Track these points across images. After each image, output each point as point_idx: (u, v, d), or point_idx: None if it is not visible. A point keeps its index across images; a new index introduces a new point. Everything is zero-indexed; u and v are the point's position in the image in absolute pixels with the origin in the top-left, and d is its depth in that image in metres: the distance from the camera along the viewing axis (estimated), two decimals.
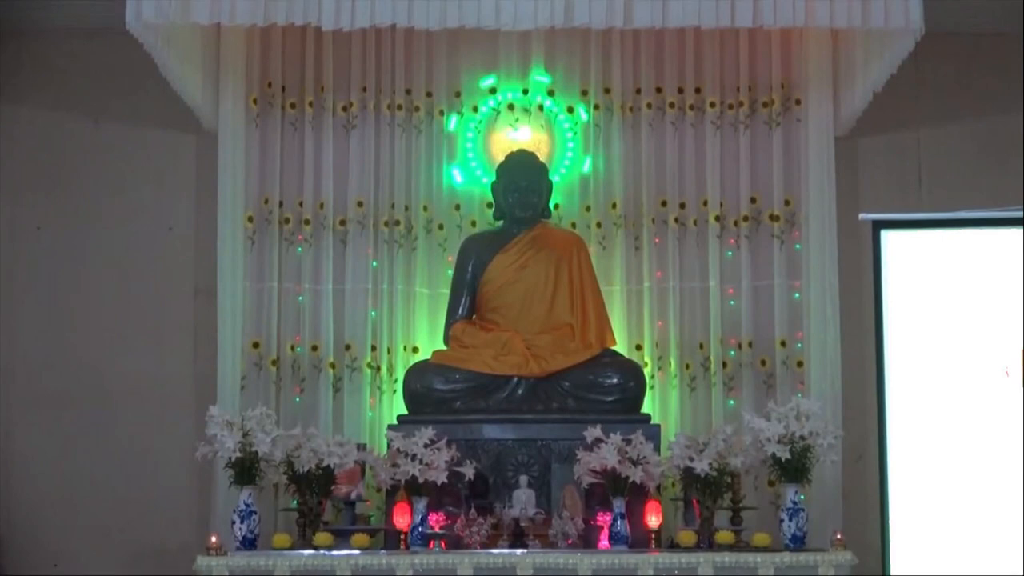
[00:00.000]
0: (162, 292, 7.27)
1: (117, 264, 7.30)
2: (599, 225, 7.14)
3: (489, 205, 7.12)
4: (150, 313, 7.27)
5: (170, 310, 7.26)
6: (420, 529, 6.07)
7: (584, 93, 7.22)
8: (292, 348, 7.01)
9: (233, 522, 6.06)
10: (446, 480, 6.11)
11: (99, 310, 7.27)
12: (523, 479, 6.35)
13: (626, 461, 6.06)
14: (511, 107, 7.25)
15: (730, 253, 7.08)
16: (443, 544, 6.07)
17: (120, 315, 7.26)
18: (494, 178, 7.04)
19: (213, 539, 5.93)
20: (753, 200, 7.08)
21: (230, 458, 6.07)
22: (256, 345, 6.95)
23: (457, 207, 7.19)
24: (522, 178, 6.89)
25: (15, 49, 7.34)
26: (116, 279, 7.29)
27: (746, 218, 7.07)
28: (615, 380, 6.63)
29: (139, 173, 7.35)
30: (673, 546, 6.07)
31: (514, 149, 7.08)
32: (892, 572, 5.73)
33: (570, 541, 6.08)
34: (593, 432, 6.14)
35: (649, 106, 7.14)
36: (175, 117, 7.08)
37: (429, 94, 7.19)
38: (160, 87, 6.60)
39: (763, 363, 6.99)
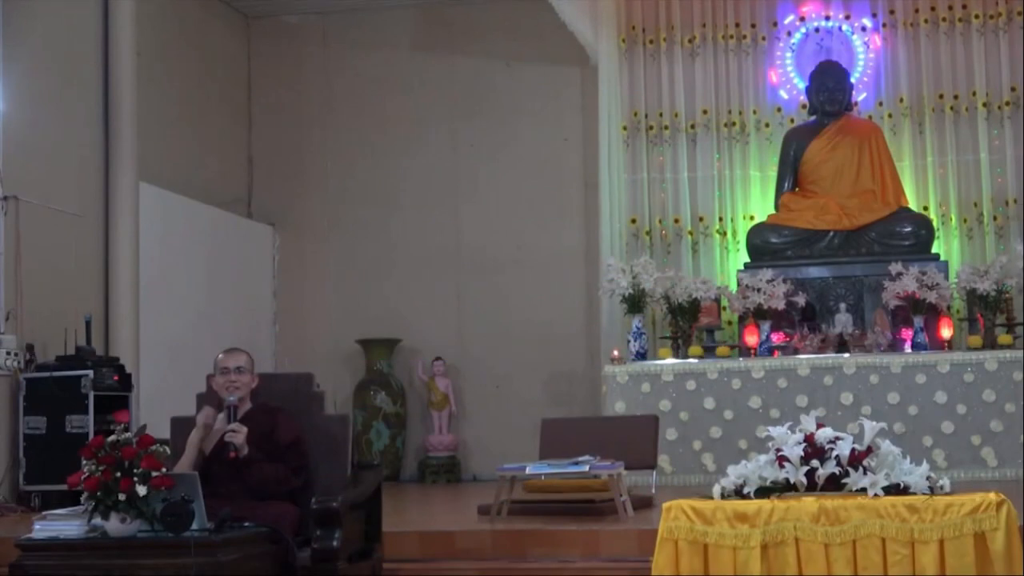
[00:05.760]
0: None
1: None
2: (890, 115, 9.05)
3: (803, 106, 9.13)
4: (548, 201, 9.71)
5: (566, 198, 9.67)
6: (765, 344, 8.12)
7: (874, 15, 9.14)
8: (659, 222, 9.22)
9: (628, 341, 8.31)
10: (783, 307, 8.16)
11: (512, 199, 9.74)
12: (842, 306, 8.30)
13: (923, 288, 7.89)
14: (817, 30, 9.26)
15: (996, 132, 8.87)
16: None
17: (528, 201, 9.70)
18: (807, 83, 9.03)
19: (615, 353, 8.21)
20: (1013, 89, 8.83)
21: (623, 295, 8.36)
22: (634, 221, 9.20)
23: (779, 109, 9.27)
24: (830, 80, 8.88)
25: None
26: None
27: (1008, 103, 8.86)
28: (910, 228, 8.53)
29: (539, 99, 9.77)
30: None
31: (821, 60, 9.06)
32: None
33: (882, 348, 8.01)
34: (896, 267, 8.00)
35: (926, 21, 9.01)
36: (566, 55, 9.46)
37: (753, 25, 9.28)
38: (558, 34, 9.01)
39: None
